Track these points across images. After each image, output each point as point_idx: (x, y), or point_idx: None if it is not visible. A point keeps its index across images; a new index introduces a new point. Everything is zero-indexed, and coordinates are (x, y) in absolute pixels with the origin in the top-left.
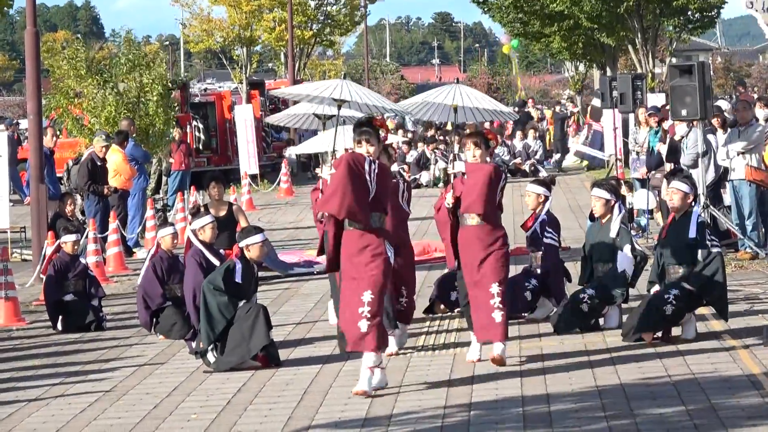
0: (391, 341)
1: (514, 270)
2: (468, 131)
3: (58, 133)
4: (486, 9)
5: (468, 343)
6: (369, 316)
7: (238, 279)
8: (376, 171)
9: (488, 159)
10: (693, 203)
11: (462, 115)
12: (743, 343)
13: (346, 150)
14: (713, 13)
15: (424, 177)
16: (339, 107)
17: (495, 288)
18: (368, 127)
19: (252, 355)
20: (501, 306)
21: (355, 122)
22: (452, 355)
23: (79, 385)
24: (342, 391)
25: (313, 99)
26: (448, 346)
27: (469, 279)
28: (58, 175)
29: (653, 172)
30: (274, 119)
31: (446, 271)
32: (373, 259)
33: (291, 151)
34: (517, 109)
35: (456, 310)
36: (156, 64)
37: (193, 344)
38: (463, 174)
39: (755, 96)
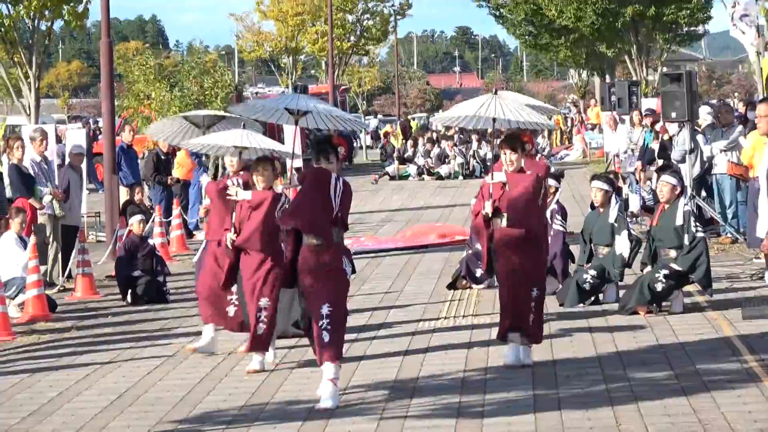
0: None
1: None
2: (503, 135)
3: (135, 129)
4: (502, 22)
5: (486, 319)
6: (329, 328)
7: None
8: (342, 189)
9: (523, 162)
10: (680, 194)
11: (500, 125)
12: (724, 315)
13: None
14: (699, 27)
15: (444, 170)
16: (240, 153)
17: (535, 292)
18: (326, 144)
19: (293, 322)
20: (534, 309)
21: (313, 139)
22: (471, 324)
23: (147, 350)
24: (372, 360)
25: (218, 149)
26: (467, 316)
27: (507, 280)
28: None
29: (648, 166)
30: (195, 145)
31: (470, 251)
32: (331, 273)
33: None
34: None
35: (478, 287)
36: (220, 73)
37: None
38: (504, 184)
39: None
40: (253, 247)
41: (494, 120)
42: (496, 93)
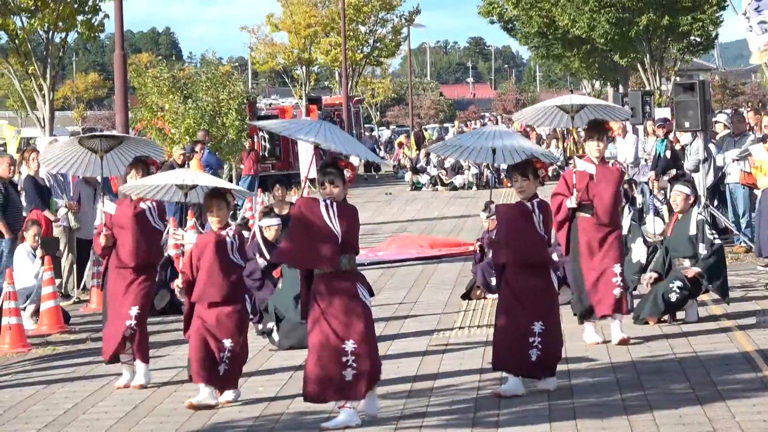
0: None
1: None
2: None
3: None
4: (514, 34)
5: None
6: (354, 365)
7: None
8: (337, 212)
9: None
10: (694, 203)
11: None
12: (739, 325)
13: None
14: (712, 35)
15: (458, 180)
16: (185, 194)
17: (617, 268)
18: (333, 168)
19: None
20: (621, 284)
21: (321, 163)
22: (485, 333)
23: (161, 360)
24: (386, 369)
25: (160, 189)
26: (482, 326)
27: (587, 264)
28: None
29: (661, 176)
30: (130, 189)
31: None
32: (347, 304)
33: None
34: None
35: (492, 296)
36: (232, 83)
37: (260, 326)
38: (592, 176)
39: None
40: (212, 298)
41: (494, 151)
42: (497, 123)
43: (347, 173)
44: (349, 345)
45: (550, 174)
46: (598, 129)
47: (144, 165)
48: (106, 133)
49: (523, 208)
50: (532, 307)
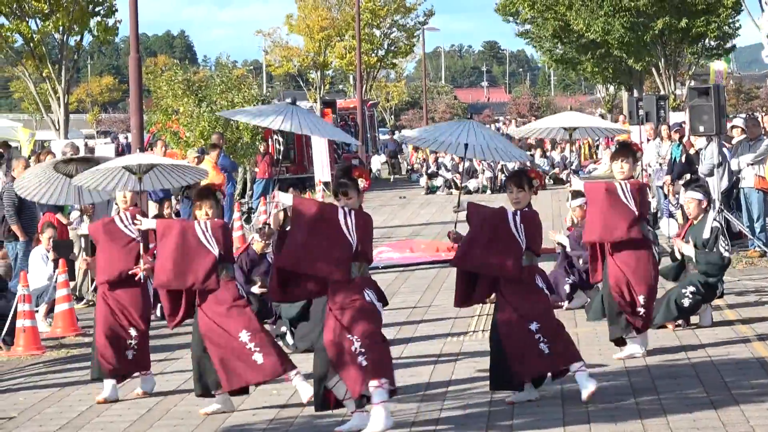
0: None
1: (549, 266)
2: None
3: (166, 144)
4: (529, 40)
5: None
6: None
7: None
8: (354, 222)
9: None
10: (708, 208)
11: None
12: (753, 329)
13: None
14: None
15: (472, 184)
16: (140, 179)
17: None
18: (346, 178)
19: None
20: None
21: (336, 172)
22: None
23: (176, 363)
24: (401, 372)
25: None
26: None
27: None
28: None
29: (677, 180)
30: (81, 180)
31: None
32: (355, 308)
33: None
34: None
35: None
36: (246, 86)
37: (274, 328)
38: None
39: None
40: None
41: (466, 146)
42: (470, 117)
43: (362, 183)
44: (356, 342)
45: (564, 178)
46: (624, 151)
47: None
48: (81, 155)
49: (502, 215)
50: (525, 311)
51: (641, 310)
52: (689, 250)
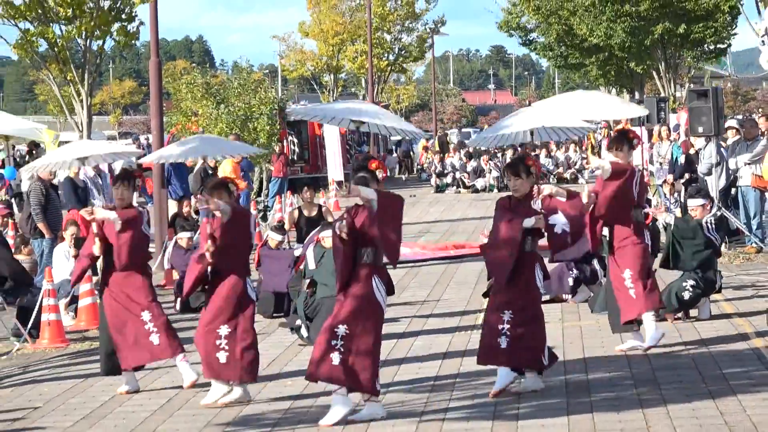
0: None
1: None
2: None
3: None
4: (533, 48)
5: None
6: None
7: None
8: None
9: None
10: (711, 208)
11: (537, 136)
12: (750, 322)
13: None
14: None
15: (480, 183)
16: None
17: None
18: (364, 171)
19: None
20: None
21: (352, 166)
22: None
23: (195, 355)
24: (411, 364)
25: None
26: None
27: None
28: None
29: (678, 179)
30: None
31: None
32: (357, 293)
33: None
34: None
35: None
36: (264, 90)
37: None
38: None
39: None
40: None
41: (532, 133)
42: (529, 104)
43: (380, 173)
44: (341, 330)
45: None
46: (620, 140)
47: (131, 179)
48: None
49: (503, 203)
50: (504, 299)
51: (631, 288)
52: (668, 217)
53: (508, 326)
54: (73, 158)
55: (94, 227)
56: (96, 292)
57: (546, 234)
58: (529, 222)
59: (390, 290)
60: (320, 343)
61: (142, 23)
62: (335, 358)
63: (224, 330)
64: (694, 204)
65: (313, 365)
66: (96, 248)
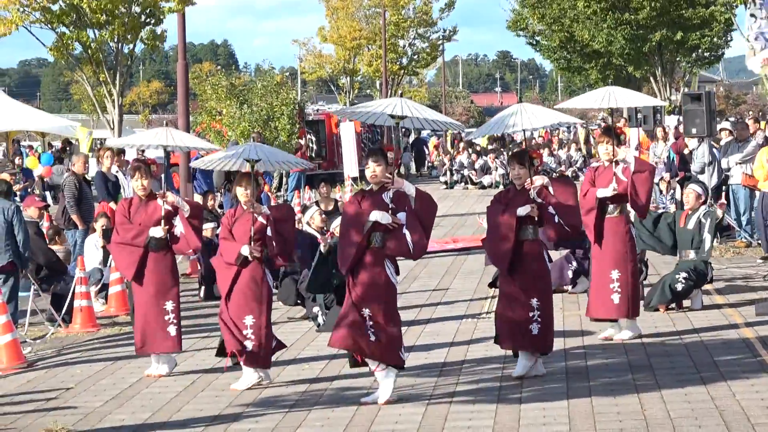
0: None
1: (558, 253)
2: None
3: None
4: (538, 49)
5: None
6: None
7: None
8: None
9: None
10: (704, 202)
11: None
12: (740, 313)
13: None
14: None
15: (486, 180)
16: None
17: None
18: (377, 151)
19: None
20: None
21: (366, 151)
22: None
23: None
24: (420, 351)
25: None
26: None
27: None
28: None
29: (673, 178)
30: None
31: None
32: (372, 276)
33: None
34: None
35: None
36: (285, 91)
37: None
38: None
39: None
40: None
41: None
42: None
43: (390, 156)
44: (366, 312)
45: (570, 175)
46: (608, 134)
47: (147, 168)
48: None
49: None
50: (527, 286)
51: (614, 286)
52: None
53: (539, 312)
54: (159, 144)
55: (164, 208)
56: (124, 280)
57: (546, 223)
58: (523, 210)
59: (396, 270)
60: (351, 324)
61: (165, 31)
62: (371, 336)
63: (249, 320)
64: (692, 188)
65: (350, 339)
66: (158, 230)
